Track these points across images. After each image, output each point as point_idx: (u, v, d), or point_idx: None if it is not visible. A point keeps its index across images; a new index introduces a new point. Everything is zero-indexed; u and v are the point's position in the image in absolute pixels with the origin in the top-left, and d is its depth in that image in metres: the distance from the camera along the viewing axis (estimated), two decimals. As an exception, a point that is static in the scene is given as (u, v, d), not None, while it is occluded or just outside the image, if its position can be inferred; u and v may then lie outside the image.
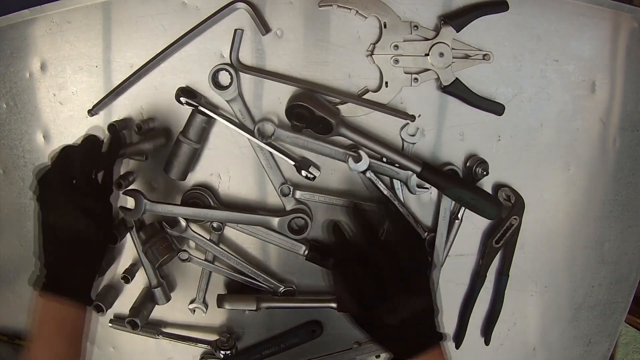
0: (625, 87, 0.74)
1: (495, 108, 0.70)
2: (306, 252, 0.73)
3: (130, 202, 0.67)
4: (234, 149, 0.72)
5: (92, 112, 0.69)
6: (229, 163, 0.72)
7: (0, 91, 0.72)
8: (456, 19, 0.66)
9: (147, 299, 0.76)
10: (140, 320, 0.73)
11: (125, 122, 0.70)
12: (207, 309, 0.78)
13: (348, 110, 0.69)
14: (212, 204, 0.71)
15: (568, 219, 0.78)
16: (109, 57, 0.69)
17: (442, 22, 0.66)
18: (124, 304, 0.77)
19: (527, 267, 0.79)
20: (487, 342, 0.82)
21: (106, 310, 0.75)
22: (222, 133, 0.71)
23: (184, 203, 0.71)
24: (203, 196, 0.71)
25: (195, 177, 0.73)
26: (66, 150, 0.64)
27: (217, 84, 0.67)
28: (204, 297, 0.77)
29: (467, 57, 0.68)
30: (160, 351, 0.82)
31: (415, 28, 0.67)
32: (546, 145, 0.74)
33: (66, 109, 0.72)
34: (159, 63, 0.68)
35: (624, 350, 1.79)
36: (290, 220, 0.71)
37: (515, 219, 0.74)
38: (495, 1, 0.66)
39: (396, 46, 0.66)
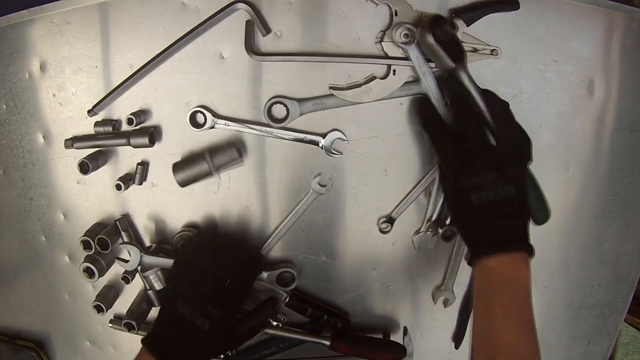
0: (624, 87, 0.74)
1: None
2: (287, 300, 0.75)
3: (126, 254, 0.70)
4: (233, 150, 0.72)
5: (91, 112, 0.70)
6: (229, 163, 0.72)
7: None
8: (467, 12, 0.66)
9: (143, 301, 0.76)
10: (137, 322, 0.73)
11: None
12: None
13: (354, 96, 0.69)
14: None
15: (567, 219, 0.78)
16: (109, 58, 0.69)
17: (453, 14, 0.67)
18: (124, 304, 0.77)
19: (526, 267, 0.79)
20: (486, 342, 0.82)
21: (106, 311, 0.75)
22: (222, 134, 0.71)
23: (174, 245, 0.73)
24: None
25: (195, 177, 0.73)
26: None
27: (272, 118, 0.68)
28: None
29: (475, 50, 0.68)
30: (160, 351, 0.82)
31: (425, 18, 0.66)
32: (545, 145, 0.74)
33: (66, 109, 0.72)
34: (159, 64, 0.68)
35: (624, 350, 1.79)
36: (279, 275, 0.73)
37: None
38: (507, 0, 0.67)
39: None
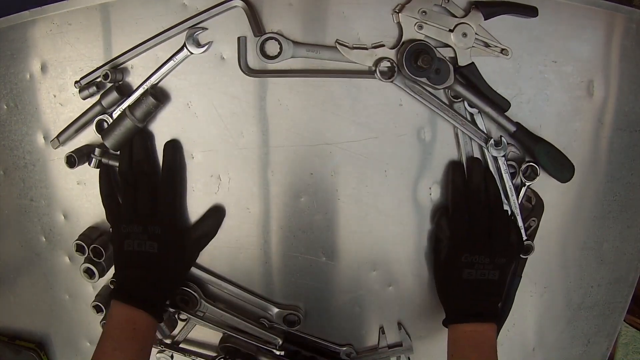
0: (623, 88, 0.74)
1: (502, 102, 0.70)
2: (280, 343, 0.77)
3: None
4: (233, 151, 0.72)
5: (78, 83, 0.69)
6: (229, 165, 0.72)
7: (0, 92, 0.72)
8: (488, 7, 0.66)
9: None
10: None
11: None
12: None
13: (357, 56, 0.67)
14: (199, 299, 0.75)
15: (566, 219, 0.78)
16: (110, 59, 0.69)
17: (473, 6, 0.67)
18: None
19: (526, 268, 0.78)
20: (486, 343, 0.82)
21: (106, 311, 0.75)
22: (222, 135, 0.71)
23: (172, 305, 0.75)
24: (192, 294, 0.74)
25: (194, 178, 0.73)
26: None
27: (264, 54, 0.67)
28: None
29: (487, 46, 0.69)
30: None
31: (446, 1, 0.67)
32: (545, 146, 0.74)
33: (67, 110, 0.72)
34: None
35: (624, 351, 1.79)
36: (286, 315, 0.76)
37: (533, 220, 0.74)
38: (528, 6, 0.68)
39: (424, 12, 0.66)
